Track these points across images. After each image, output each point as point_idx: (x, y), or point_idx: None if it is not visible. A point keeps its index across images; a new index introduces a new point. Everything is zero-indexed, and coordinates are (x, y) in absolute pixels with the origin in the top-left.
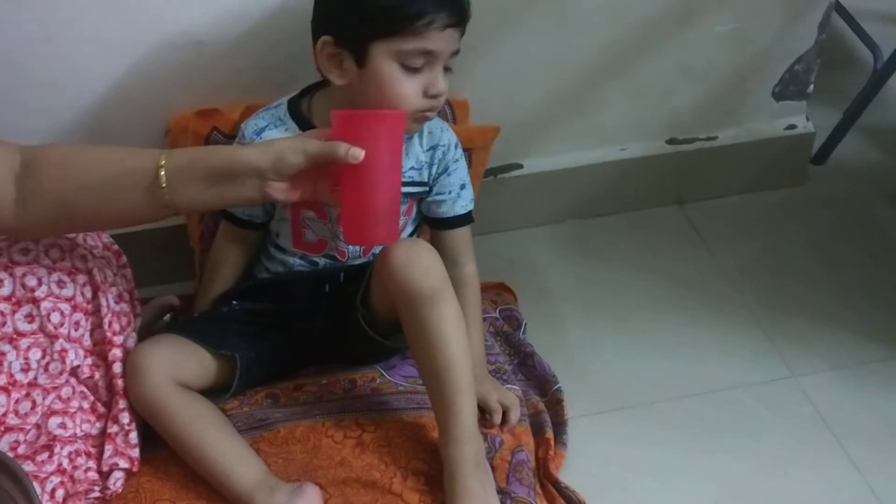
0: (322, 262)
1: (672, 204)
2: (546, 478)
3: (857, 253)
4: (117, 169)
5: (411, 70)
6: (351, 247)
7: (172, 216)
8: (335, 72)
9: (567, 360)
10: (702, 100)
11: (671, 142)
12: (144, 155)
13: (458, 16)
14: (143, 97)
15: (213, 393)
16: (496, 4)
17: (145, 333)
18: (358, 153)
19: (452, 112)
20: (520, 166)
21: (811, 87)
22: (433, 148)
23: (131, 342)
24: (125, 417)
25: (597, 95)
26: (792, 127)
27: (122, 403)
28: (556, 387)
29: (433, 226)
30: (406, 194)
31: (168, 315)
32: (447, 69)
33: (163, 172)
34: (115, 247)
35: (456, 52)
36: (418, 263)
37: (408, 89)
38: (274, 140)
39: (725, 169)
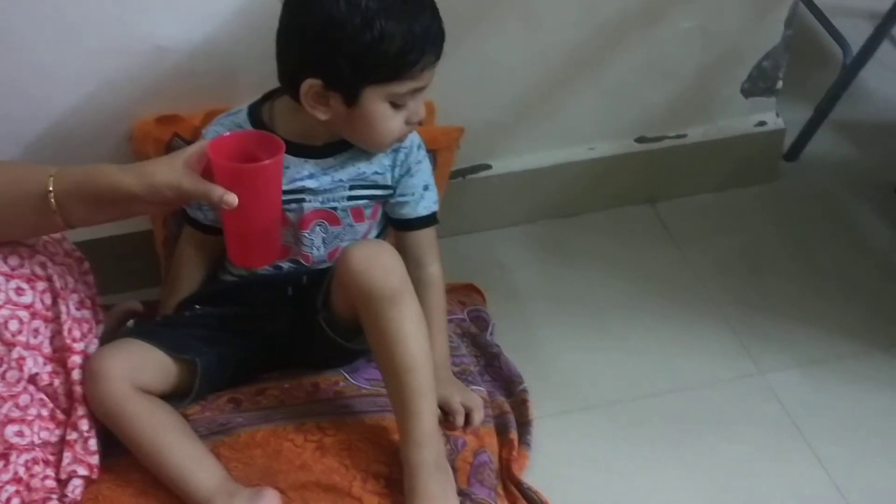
0: (286, 265)
1: (644, 203)
2: (509, 479)
3: (831, 248)
4: (11, 193)
5: (400, 106)
6: (315, 251)
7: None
8: (320, 109)
9: (534, 360)
10: (670, 98)
11: (640, 140)
12: (36, 177)
13: (440, 51)
14: (105, 103)
15: (175, 397)
16: (460, 5)
17: (108, 340)
18: (232, 200)
19: None
20: (488, 167)
21: (780, 83)
22: (395, 150)
23: (93, 349)
24: (84, 424)
25: (563, 95)
26: (762, 123)
27: (81, 410)
28: (521, 387)
29: (397, 227)
30: (370, 197)
31: (131, 321)
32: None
33: (52, 198)
34: (78, 253)
35: (430, 82)
36: (378, 264)
37: (394, 124)
38: (155, 168)
39: (696, 167)
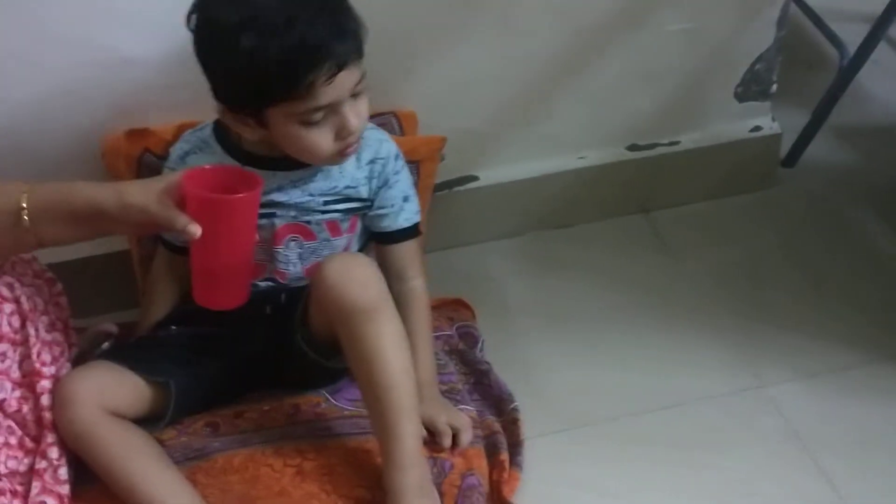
0: (263, 284)
1: (637, 212)
2: (499, 502)
3: (831, 256)
4: None
5: (313, 124)
6: (291, 268)
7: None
8: (245, 129)
9: (526, 377)
10: (661, 103)
11: (632, 148)
12: (9, 194)
13: (343, 59)
14: (74, 119)
15: (149, 422)
16: (438, 13)
17: (82, 363)
18: (194, 230)
19: (400, 124)
20: (475, 178)
21: (774, 86)
22: (371, 162)
23: (64, 373)
24: (54, 452)
25: (550, 102)
26: (757, 129)
27: (50, 437)
28: (512, 405)
29: (378, 240)
30: (345, 210)
31: (106, 343)
32: (358, 95)
33: (25, 215)
34: (48, 274)
35: (360, 81)
36: (354, 277)
37: (318, 140)
38: (130, 188)
39: (691, 174)
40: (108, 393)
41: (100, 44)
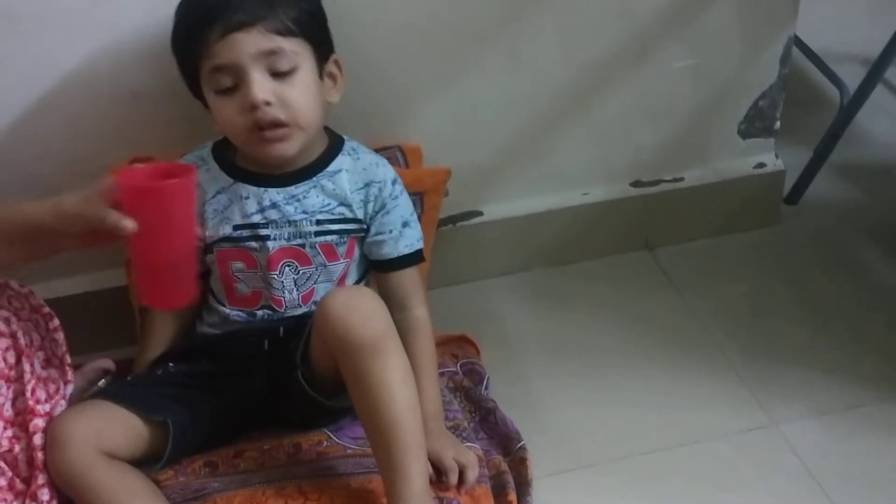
0: (260, 312)
1: (641, 249)
2: None
3: (839, 293)
4: None
5: (224, 92)
6: (287, 294)
7: None
8: (214, 123)
9: (532, 415)
10: (665, 140)
11: (636, 184)
12: None
13: (238, 20)
14: (77, 149)
15: (146, 462)
16: (445, 47)
17: (79, 400)
18: (126, 224)
19: (404, 158)
20: (479, 213)
21: (777, 123)
22: (367, 185)
23: (59, 411)
24: (44, 494)
25: (555, 137)
26: (761, 165)
27: (41, 478)
28: (519, 444)
29: (378, 269)
30: (339, 232)
31: (103, 381)
32: (284, 75)
33: None
34: (46, 309)
35: (272, 53)
36: (358, 310)
37: (229, 112)
38: (66, 197)
39: (695, 211)
40: (104, 433)
41: (106, 77)
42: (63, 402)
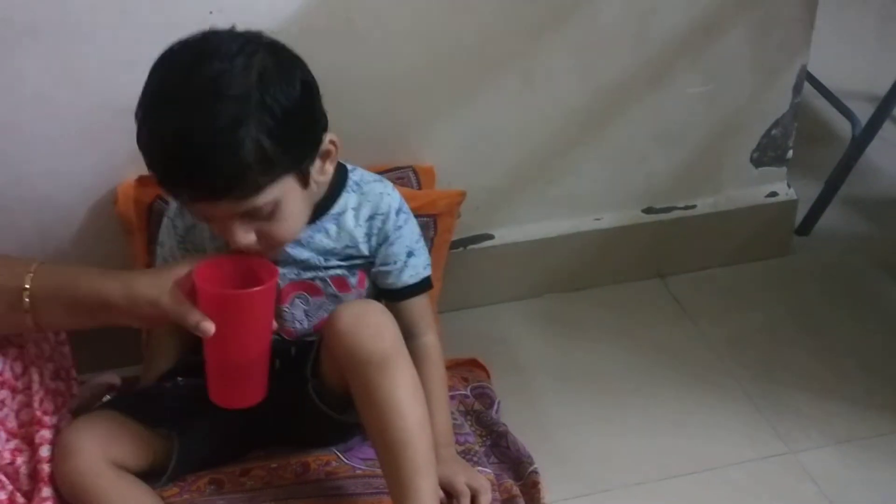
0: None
1: (653, 277)
2: None
3: (852, 325)
4: None
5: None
6: (298, 325)
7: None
8: None
9: (544, 440)
10: (678, 166)
11: (648, 211)
12: (15, 270)
13: (207, 193)
14: (89, 163)
15: (152, 477)
16: (460, 69)
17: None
18: (208, 328)
19: (417, 179)
20: (490, 237)
21: (790, 151)
22: (371, 218)
23: (65, 424)
24: None
25: (567, 161)
26: (773, 194)
27: (45, 491)
28: (531, 468)
29: (385, 297)
30: (349, 266)
31: (107, 396)
32: (265, 217)
33: (26, 297)
34: None
35: (255, 209)
36: (367, 324)
37: (216, 230)
38: (138, 278)
39: (707, 239)
40: (112, 443)
41: (121, 90)
42: (68, 416)
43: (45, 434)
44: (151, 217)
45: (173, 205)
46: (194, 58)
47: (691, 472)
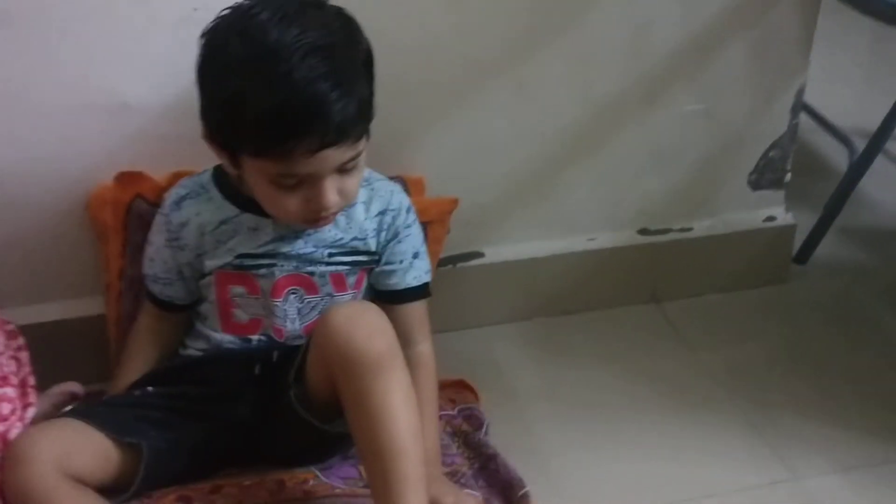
0: (256, 339)
1: (647, 302)
2: None
3: (852, 352)
4: None
5: (285, 187)
6: (290, 324)
7: None
8: (224, 160)
9: (537, 466)
10: (674, 187)
11: (643, 232)
12: None
13: (333, 136)
14: (62, 164)
15: (115, 493)
16: (452, 80)
17: None
18: None
19: (407, 189)
20: (481, 255)
21: (788, 175)
22: (382, 213)
23: (15, 433)
24: None
25: (560, 178)
26: (771, 219)
27: None
28: (522, 491)
29: (383, 300)
30: (351, 263)
31: (70, 406)
32: (348, 171)
33: None
34: (10, 326)
35: (351, 160)
36: (362, 324)
37: (286, 204)
38: None
39: (703, 263)
40: (70, 454)
41: (98, 86)
42: (19, 425)
43: None
44: (130, 219)
45: (169, 199)
46: (300, 11)
47: (691, 499)
